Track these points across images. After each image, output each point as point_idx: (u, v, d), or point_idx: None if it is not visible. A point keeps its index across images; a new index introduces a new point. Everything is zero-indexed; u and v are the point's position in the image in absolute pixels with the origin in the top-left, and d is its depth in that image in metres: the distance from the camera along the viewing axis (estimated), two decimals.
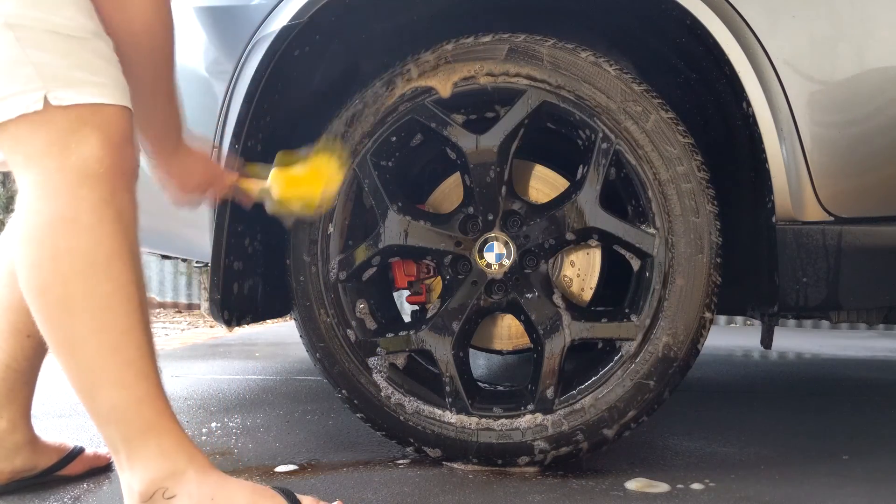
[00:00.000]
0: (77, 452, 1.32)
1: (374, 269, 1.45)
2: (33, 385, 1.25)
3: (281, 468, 1.41)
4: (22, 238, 0.97)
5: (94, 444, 1.58)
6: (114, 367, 0.97)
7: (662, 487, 1.30)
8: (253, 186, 1.30)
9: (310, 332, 1.43)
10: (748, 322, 4.94)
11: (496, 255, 1.39)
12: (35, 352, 1.23)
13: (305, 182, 1.30)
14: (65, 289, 0.96)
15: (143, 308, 1.00)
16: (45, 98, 0.94)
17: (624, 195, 1.41)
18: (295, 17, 1.29)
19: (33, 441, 1.25)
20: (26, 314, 1.18)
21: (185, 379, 2.52)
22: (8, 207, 6.02)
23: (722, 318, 4.94)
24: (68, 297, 0.96)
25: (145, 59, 1.07)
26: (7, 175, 6.82)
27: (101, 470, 1.37)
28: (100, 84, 0.98)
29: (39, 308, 0.97)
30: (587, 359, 1.46)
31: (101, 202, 0.97)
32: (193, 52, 1.41)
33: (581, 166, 1.38)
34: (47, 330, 0.98)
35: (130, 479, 0.99)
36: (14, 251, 0.99)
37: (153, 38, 1.06)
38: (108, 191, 0.97)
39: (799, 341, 4.02)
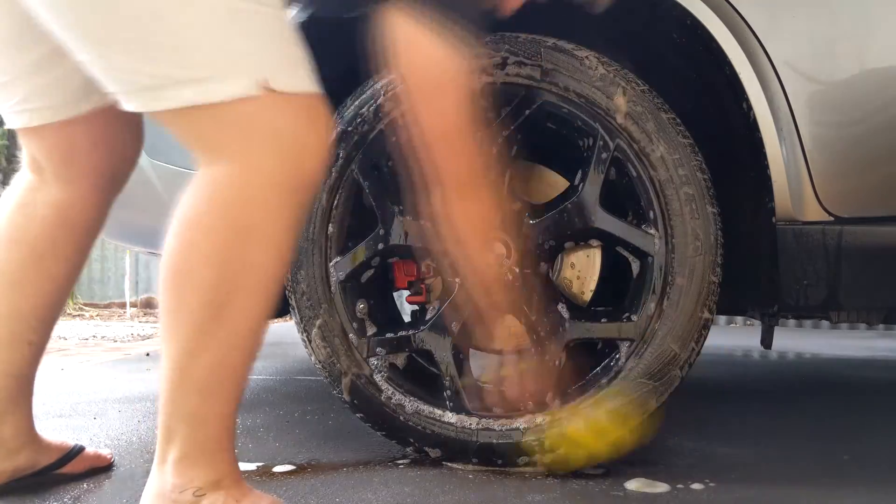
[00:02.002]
0: (78, 451, 1.32)
1: (373, 270, 1.45)
2: (32, 387, 1.25)
3: (281, 468, 1.41)
4: (203, 226, 0.92)
5: (94, 443, 1.58)
6: (224, 383, 0.98)
7: (662, 487, 1.30)
8: None
9: (309, 332, 1.43)
10: (748, 322, 4.94)
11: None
12: (35, 357, 1.22)
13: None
14: (226, 297, 0.93)
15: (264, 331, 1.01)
16: (263, 83, 0.88)
17: (624, 196, 1.41)
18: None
19: (35, 440, 1.25)
20: (26, 323, 1.19)
21: None
22: None
23: (722, 318, 4.94)
24: (225, 305, 0.93)
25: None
26: (7, 175, 6.82)
27: (101, 470, 1.37)
28: (308, 69, 0.93)
29: (187, 302, 0.94)
30: (587, 358, 1.46)
31: (296, 216, 0.96)
32: None
33: (581, 167, 1.38)
34: (182, 323, 0.95)
35: (170, 471, 0.99)
36: (183, 232, 0.94)
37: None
38: (304, 202, 0.96)
39: (799, 341, 4.02)
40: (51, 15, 0.93)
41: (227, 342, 0.96)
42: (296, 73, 0.92)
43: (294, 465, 1.43)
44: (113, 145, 1.21)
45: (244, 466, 1.42)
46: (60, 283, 1.21)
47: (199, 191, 0.94)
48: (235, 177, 0.91)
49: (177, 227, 0.95)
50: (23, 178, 1.22)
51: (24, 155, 1.21)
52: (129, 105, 0.94)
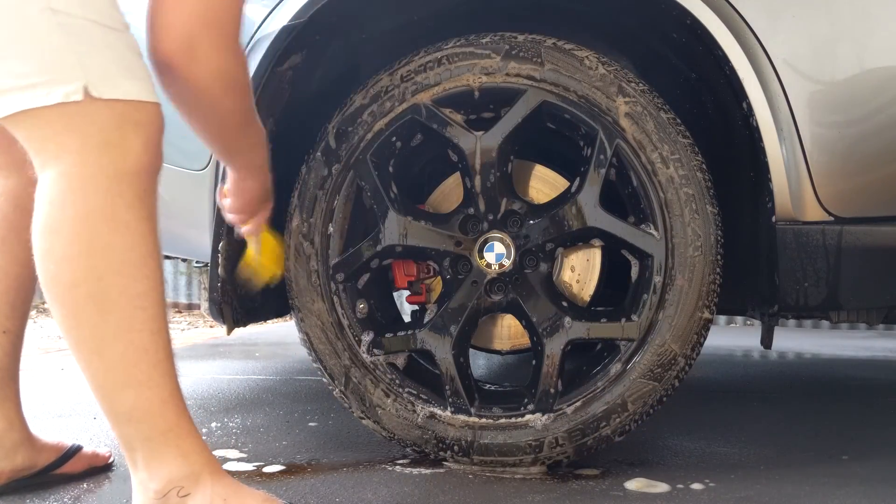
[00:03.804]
0: (75, 450, 1.32)
1: (374, 270, 1.45)
2: (18, 380, 1.24)
3: (280, 468, 1.41)
4: (50, 229, 0.95)
5: (94, 443, 1.59)
6: (143, 368, 0.97)
7: (662, 487, 1.30)
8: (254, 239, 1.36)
9: (309, 332, 1.43)
10: (748, 322, 4.94)
11: (496, 255, 1.39)
12: (13, 346, 1.22)
13: (264, 260, 1.39)
14: (98, 285, 0.95)
15: (166, 309, 1.00)
16: (86, 89, 0.92)
17: (624, 196, 1.41)
18: (295, 17, 1.29)
19: (31, 439, 1.25)
20: (1, 310, 1.18)
21: (185, 379, 2.51)
22: None
23: (722, 318, 4.93)
24: (102, 293, 0.95)
25: (215, 104, 1.06)
26: None
27: (101, 469, 1.37)
28: (139, 79, 0.97)
29: (67, 303, 0.95)
30: (587, 358, 1.46)
31: (138, 200, 0.97)
32: None
33: (581, 166, 1.38)
34: (73, 326, 0.96)
35: (146, 477, 0.99)
36: (38, 243, 0.96)
37: (221, 90, 1.04)
38: (143, 189, 0.97)
39: (799, 341, 4.02)
40: None
41: (122, 328, 0.96)
42: (118, 81, 0.96)
43: (294, 464, 1.43)
44: None
45: (243, 466, 1.42)
46: (27, 267, 1.19)
47: (40, 197, 0.96)
48: (65, 173, 0.94)
49: (34, 240, 0.97)
50: None
51: None
52: None
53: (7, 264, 1.20)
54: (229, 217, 1.30)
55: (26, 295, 1.22)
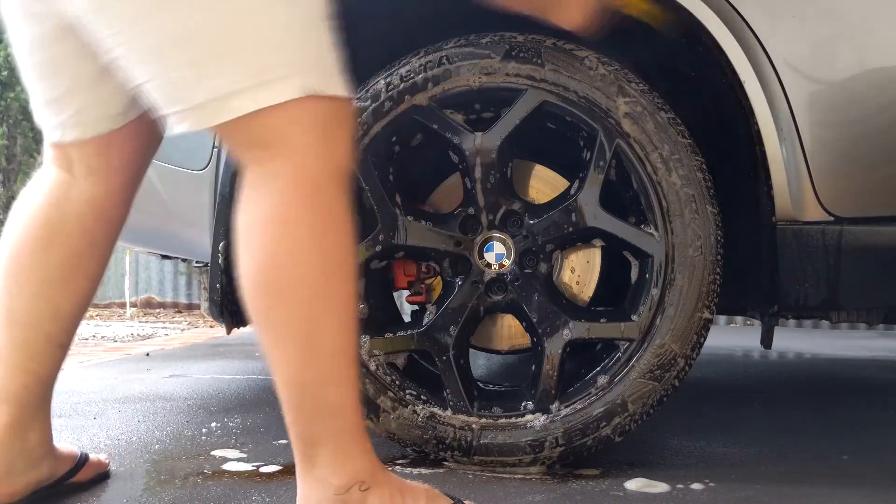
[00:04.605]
0: (85, 459, 1.30)
1: (374, 270, 1.45)
2: (52, 392, 1.23)
3: (280, 468, 1.41)
4: (283, 220, 0.94)
5: (94, 443, 1.59)
6: (346, 364, 0.99)
7: (662, 487, 1.30)
8: None
9: None
10: (748, 322, 4.94)
11: (496, 255, 1.39)
12: (62, 360, 1.19)
13: None
14: (326, 280, 0.95)
15: None
16: (313, 86, 0.92)
17: (624, 196, 1.41)
18: None
19: (53, 449, 1.22)
20: (61, 325, 1.16)
21: (185, 379, 2.52)
22: (7, 207, 6.01)
23: (722, 318, 4.94)
24: (328, 290, 0.95)
25: None
26: (7, 175, 6.83)
27: (102, 476, 1.35)
28: (341, 74, 0.97)
29: (293, 296, 0.94)
30: (587, 358, 1.46)
31: (346, 199, 0.98)
32: None
33: (581, 167, 1.38)
34: (290, 320, 0.95)
35: (328, 473, 0.99)
36: (268, 231, 0.94)
37: None
38: (344, 187, 0.98)
39: (799, 341, 4.02)
40: (105, 35, 0.94)
41: (340, 327, 0.97)
42: (333, 77, 0.96)
43: (294, 464, 1.43)
44: (148, 138, 1.18)
45: (243, 466, 1.42)
46: (94, 282, 1.19)
47: (264, 189, 0.95)
48: (295, 168, 0.94)
49: (253, 231, 0.96)
50: (47, 174, 1.17)
51: (49, 150, 1.16)
52: (181, 126, 0.95)
53: (80, 280, 1.17)
54: None
55: (86, 309, 1.21)
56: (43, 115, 1.13)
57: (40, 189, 1.16)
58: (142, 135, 1.17)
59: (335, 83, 0.96)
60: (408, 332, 1.41)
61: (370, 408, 1.40)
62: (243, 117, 0.92)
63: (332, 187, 0.96)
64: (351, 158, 1.00)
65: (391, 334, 1.42)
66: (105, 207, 1.16)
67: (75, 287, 1.16)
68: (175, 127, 0.95)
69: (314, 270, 0.95)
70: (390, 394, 1.40)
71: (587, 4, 1.21)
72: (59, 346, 1.17)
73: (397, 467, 1.40)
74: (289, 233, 0.94)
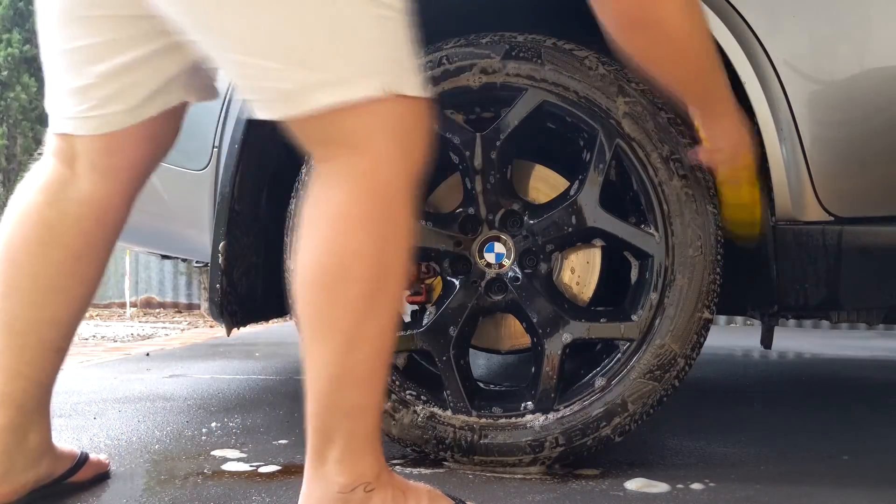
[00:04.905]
0: (84, 459, 1.30)
1: None
2: (52, 394, 1.22)
3: (280, 468, 1.41)
4: (348, 218, 0.93)
5: (94, 443, 1.59)
6: (380, 367, 0.99)
7: (662, 487, 1.30)
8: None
9: None
10: (748, 322, 4.94)
11: (496, 255, 1.39)
12: (61, 363, 1.18)
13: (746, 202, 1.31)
14: (378, 285, 0.94)
15: None
16: (391, 85, 0.91)
17: (624, 196, 1.41)
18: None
19: (52, 448, 1.22)
20: (58, 330, 1.15)
21: (185, 379, 2.52)
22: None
23: (722, 318, 4.94)
24: (379, 293, 0.95)
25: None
26: (7, 175, 6.82)
27: (102, 476, 1.35)
28: (418, 73, 0.96)
29: (343, 296, 0.94)
30: (587, 358, 1.46)
31: (412, 204, 0.97)
32: None
33: (581, 167, 1.38)
34: (337, 318, 0.94)
35: (334, 471, 0.99)
36: (330, 229, 0.94)
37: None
38: (413, 192, 0.97)
39: (799, 341, 4.02)
40: (188, 20, 0.94)
41: (381, 331, 0.97)
42: (413, 78, 0.96)
43: (294, 464, 1.43)
44: (160, 139, 1.17)
45: (242, 466, 1.42)
46: (91, 287, 1.17)
47: (335, 185, 0.95)
48: (367, 169, 0.93)
49: (319, 223, 0.95)
50: (47, 168, 1.13)
51: (54, 140, 1.13)
52: (264, 113, 0.95)
53: (78, 285, 1.15)
54: (705, 159, 1.27)
55: (84, 313, 1.19)
56: (62, 105, 1.10)
57: (37, 184, 1.13)
58: (153, 140, 1.15)
59: (414, 84, 0.95)
60: (408, 332, 1.41)
61: None
62: (323, 112, 0.91)
63: (400, 191, 0.95)
64: (424, 163, 0.98)
65: None
66: (105, 209, 1.14)
67: (73, 293, 1.15)
68: (256, 112, 0.95)
69: (369, 272, 0.94)
70: (391, 394, 1.40)
71: (732, 150, 1.24)
72: (57, 351, 1.16)
73: (397, 467, 1.40)
74: (351, 231, 0.94)
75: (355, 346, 0.95)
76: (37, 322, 1.13)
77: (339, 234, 0.94)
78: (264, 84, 0.93)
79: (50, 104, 1.12)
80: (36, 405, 1.15)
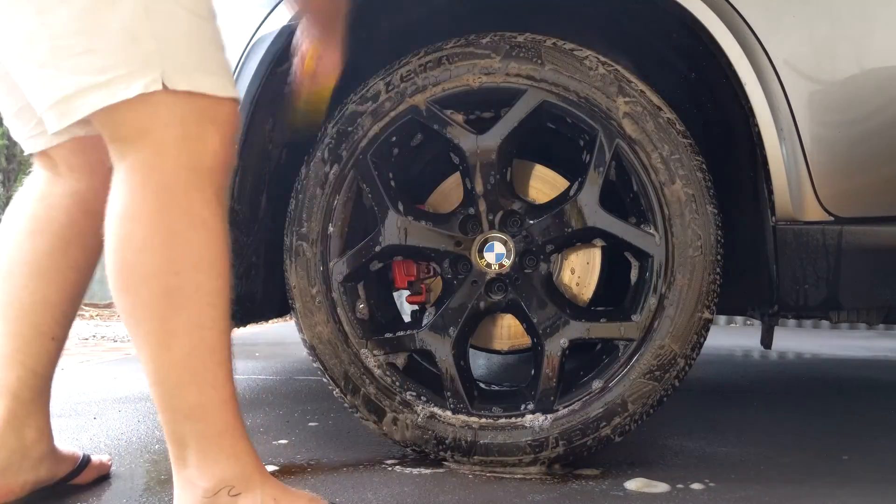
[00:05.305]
0: (87, 461, 1.30)
1: (374, 270, 1.46)
2: (50, 390, 1.22)
3: (280, 468, 1.41)
4: (130, 217, 0.93)
5: (94, 443, 1.59)
6: (209, 366, 0.97)
7: (662, 487, 1.30)
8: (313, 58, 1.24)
9: (309, 332, 1.43)
10: (748, 322, 4.94)
11: (496, 255, 1.39)
12: (57, 354, 1.19)
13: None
14: (176, 279, 0.93)
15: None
16: (163, 80, 0.91)
17: (624, 196, 1.41)
18: (295, 17, 1.29)
19: (54, 450, 1.22)
20: (51, 315, 1.16)
21: None
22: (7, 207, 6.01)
23: (722, 318, 4.93)
24: (178, 287, 0.94)
25: None
26: (7, 175, 6.82)
27: (103, 477, 1.35)
28: (217, 74, 0.96)
29: (141, 294, 0.94)
30: (587, 358, 1.46)
31: (214, 197, 0.96)
32: None
33: (581, 167, 1.38)
34: (143, 318, 0.95)
35: (196, 475, 0.98)
36: (115, 229, 0.94)
37: None
38: (219, 187, 0.97)
39: (799, 341, 4.02)
40: None
41: (195, 325, 0.95)
42: (193, 74, 0.94)
43: (294, 464, 1.43)
44: None
45: None
46: (83, 273, 1.19)
47: (117, 185, 0.95)
48: (145, 163, 0.93)
49: (109, 227, 0.96)
50: (36, 177, 1.20)
51: (35, 155, 1.19)
52: (49, 125, 0.95)
53: (68, 270, 1.17)
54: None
55: (78, 302, 1.20)
56: (14, 127, 1.16)
57: (30, 190, 1.19)
58: None
59: (202, 80, 0.95)
60: (408, 332, 1.41)
61: (370, 408, 1.40)
62: (103, 113, 0.92)
63: (189, 184, 0.94)
64: (223, 158, 0.97)
65: (391, 334, 1.43)
66: (90, 201, 1.17)
67: (64, 277, 1.17)
68: (48, 125, 0.96)
69: (161, 269, 0.93)
70: (391, 394, 1.40)
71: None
72: (52, 339, 1.17)
73: (397, 467, 1.40)
74: (136, 230, 0.93)
75: (167, 346, 0.95)
76: (29, 306, 1.15)
77: (124, 236, 0.94)
78: (42, 94, 0.93)
79: (10, 129, 1.17)
80: (32, 397, 1.16)
